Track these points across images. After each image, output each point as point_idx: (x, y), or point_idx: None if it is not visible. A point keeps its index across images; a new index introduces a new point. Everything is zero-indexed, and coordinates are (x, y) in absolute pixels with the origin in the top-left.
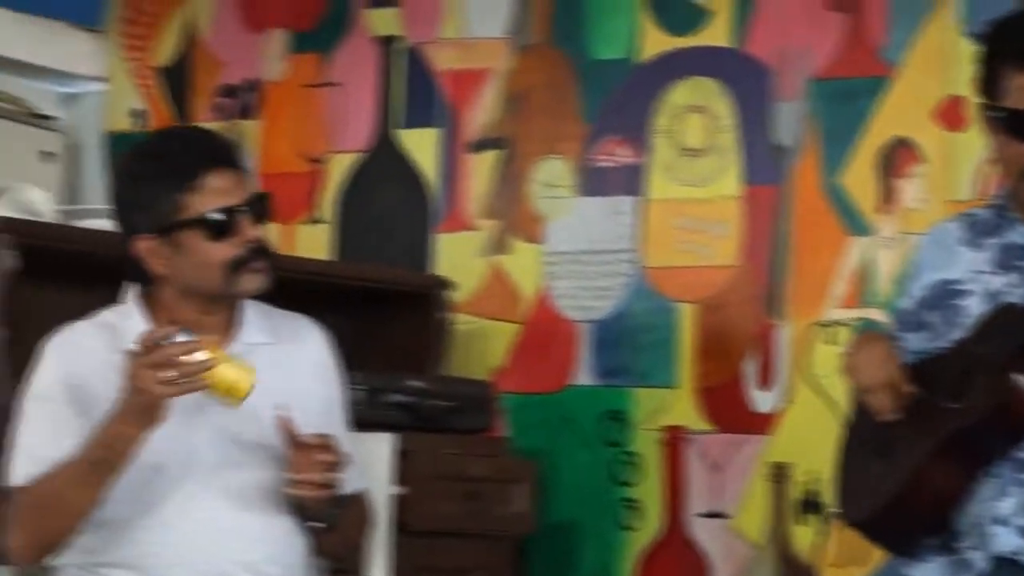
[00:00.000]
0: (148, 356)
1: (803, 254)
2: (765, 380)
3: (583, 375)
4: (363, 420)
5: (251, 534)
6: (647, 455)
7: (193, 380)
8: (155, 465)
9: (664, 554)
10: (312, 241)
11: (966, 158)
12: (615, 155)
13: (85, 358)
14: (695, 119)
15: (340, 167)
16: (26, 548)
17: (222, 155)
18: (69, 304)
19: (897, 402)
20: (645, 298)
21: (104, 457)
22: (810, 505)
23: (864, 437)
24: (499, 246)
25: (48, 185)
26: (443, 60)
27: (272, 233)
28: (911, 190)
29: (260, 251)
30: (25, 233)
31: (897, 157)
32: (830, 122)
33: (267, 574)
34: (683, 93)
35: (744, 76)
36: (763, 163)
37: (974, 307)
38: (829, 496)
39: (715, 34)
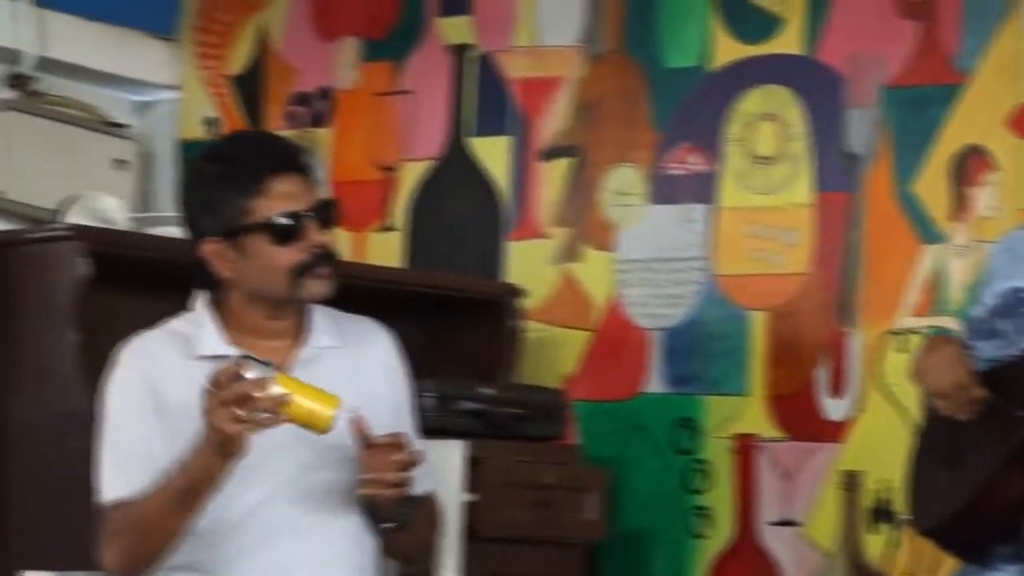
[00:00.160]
0: (223, 393)
1: (875, 262)
2: (836, 388)
3: (654, 383)
4: (434, 427)
5: (324, 536)
6: (718, 463)
7: (270, 416)
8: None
9: (735, 562)
10: (384, 249)
11: None
12: (687, 163)
13: (158, 366)
14: (767, 127)
15: (412, 175)
16: (121, 566)
17: (289, 160)
18: (142, 311)
19: (967, 405)
20: (716, 306)
21: (190, 487)
22: (881, 513)
23: (935, 445)
24: (570, 254)
25: (121, 193)
26: (515, 68)
27: (344, 241)
28: (983, 198)
29: (325, 256)
30: (98, 240)
31: (969, 165)
32: (902, 130)
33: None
34: (755, 101)
35: (816, 84)
36: (835, 171)
37: None
38: (900, 504)
39: (787, 42)
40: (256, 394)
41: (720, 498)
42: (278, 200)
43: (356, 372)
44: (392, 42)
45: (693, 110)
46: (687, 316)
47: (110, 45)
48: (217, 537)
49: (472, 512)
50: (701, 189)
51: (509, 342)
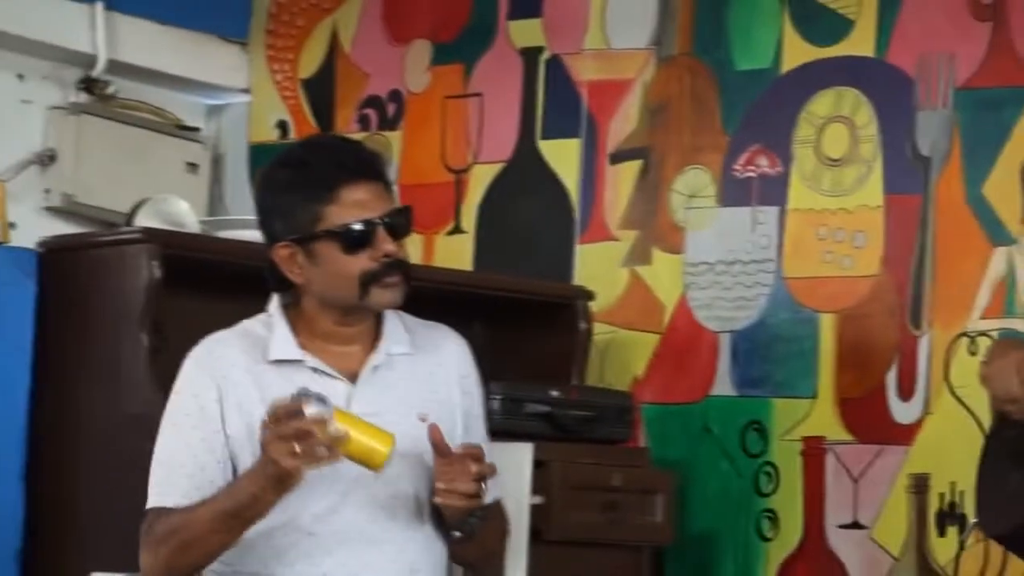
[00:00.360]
0: (281, 427)
1: (945, 264)
2: (906, 391)
3: (723, 385)
4: (502, 430)
5: (394, 544)
6: (786, 466)
7: (326, 453)
8: None
9: (803, 565)
10: (454, 251)
11: None
12: (756, 165)
13: (228, 369)
14: (837, 129)
15: (482, 178)
16: (157, 573)
17: (364, 167)
18: (211, 314)
19: None
20: (785, 308)
21: (238, 512)
22: (950, 516)
23: (1004, 448)
24: (640, 256)
25: (192, 196)
26: (585, 71)
27: (414, 243)
28: None
29: (395, 265)
30: (169, 244)
31: None
32: (973, 132)
33: None
34: (825, 103)
35: (887, 86)
36: (905, 173)
37: None
38: (969, 507)
39: (857, 44)
40: (315, 431)
41: (788, 501)
42: (350, 208)
43: (428, 379)
44: (462, 45)
45: (763, 112)
46: (756, 319)
47: (182, 48)
48: (286, 544)
49: (539, 515)
50: (771, 191)
51: (578, 345)
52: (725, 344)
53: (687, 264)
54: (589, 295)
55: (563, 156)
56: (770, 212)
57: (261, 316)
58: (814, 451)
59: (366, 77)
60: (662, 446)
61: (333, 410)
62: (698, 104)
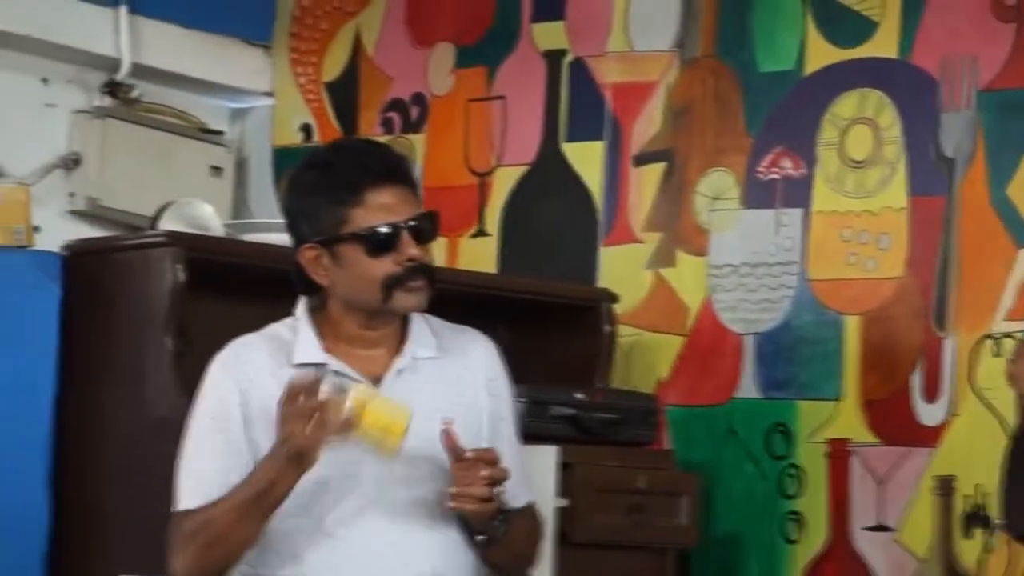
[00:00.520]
0: (296, 405)
1: (970, 266)
2: (931, 392)
3: (747, 388)
4: (527, 433)
5: (417, 549)
6: (812, 468)
7: (342, 429)
8: (320, 480)
9: (828, 567)
10: (478, 254)
11: None
12: (780, 167)
13: (253, 372)
14: (861, 131)
15: (506, 180)
16: (189, 573)
17: (390, 170)
18: (236, 317)
19: None
20: (810, 310)
21: (259, 498)
22: (976, 518)
23: None
24: (664, 258)
25: (216, 200)
26: (609, 73)
27: (438, 246)
28: None
29: (419, 270)
30: (193, 247)
31: None
32: (997, 133)
33: None
34: (849, 105)
35: (910, 87)
36: (930, 174)
37: None
38: (995, 509)
39: (881, 45)
40: (330, 407)
41: (813, 503)
42: (375, 211)
43: (454, 383)
44: (486, 48)
45: (787, 114)
46: (780, 321)
47: (206, 52)
48: (309, 551)
49: (564, 517)
50: (795, 193)
51: (602, 347)
52: (749, 346)
53: (711, 266)
54: (613, 297)
55: (587, 158)
56: (794, 214)
57: (287, 320)
58: (839, 453)
59: (389, 80)
60: (687, 448)
61: (352, 388)
62: (722, 106)
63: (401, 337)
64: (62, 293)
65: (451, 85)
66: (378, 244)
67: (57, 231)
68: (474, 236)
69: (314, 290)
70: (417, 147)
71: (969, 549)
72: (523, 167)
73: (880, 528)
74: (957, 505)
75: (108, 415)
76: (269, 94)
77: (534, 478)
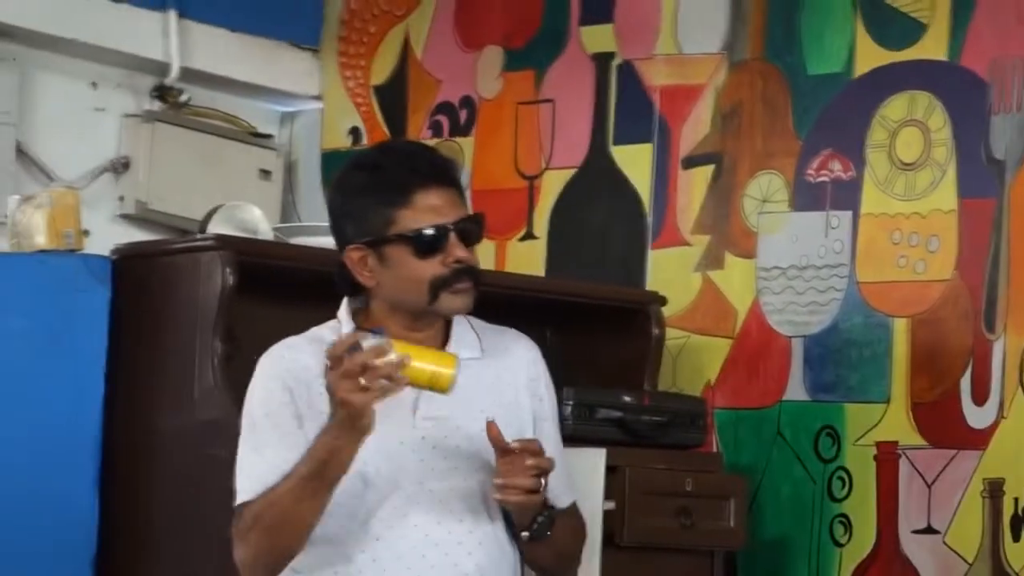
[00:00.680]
0: (343, 366)
1: (1020, 268)
2: (980, 395)
3: (795, 390)
4: (575, 435)
5: (461, 545)
6: (860, 471)
7: (391, 381)
8: (363, 479)
9: (876, 570)
10: (526, 257)
11: None
12: (829, 170)
13: (299, 373)
14: (910, 133)
15: (554, 183)
16: (254, 564)
17: (438, 173)
18: (284, 320)
19: None
20: (858, 313)
21: (320, 471)
22: None
23: None
24: (712, 261)
25: (265, 203)
26: (657, 76)
27: (486, 249)
28: None
29: (466, 272)
30: (242, 250)
31: None
32: None
33: None
34: (898, 107)
35: (960, 89)
36: (979, 176)
37: None
38: None
39: (930, 47)
40: (375, 361)
41: (861, 506)
42: (423, 213)
43: (496, 383)
44: (534, 51)
45: (836, 116)
46: (829, 323)
47: (254, 56)
48: (352, 548)
49: (612, 520)
50: (843, 196)
51: (650, 350)
52: (798, 349)
53: (760, 269)
54: (662, 300)
55: (635, 161)
56: (843, 216)
57: (330, 322)
58: (887, 456)
59: (438, 83)
60: (735, 451)
61: (391, 340)
62: (770, 109)
63: (444, 338)
64: (111, 296)
65: (499, 88)
66: (426, 245)
67: (106, 235)
68: (522, 239)
69: (357, 291)
70: (466, 150)
71: (1017, 552)
72: (571, 170)
73: (928, 531)
74: (1006, 508)
75: (157, 418)
76: (318, 98)
77: (582, 481)
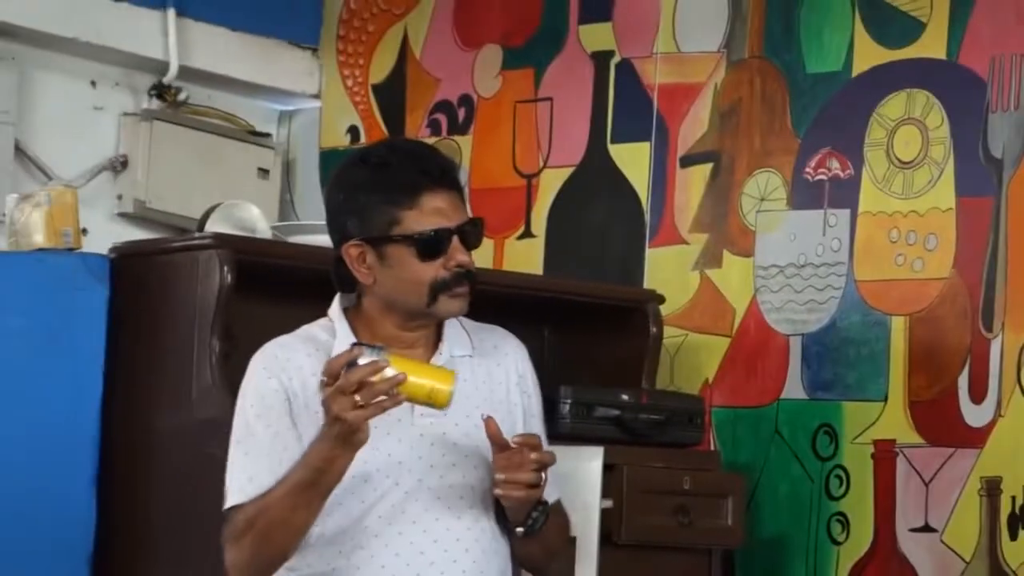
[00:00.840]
0: (339, 382)
1: (1017, 266)
2: (977, 393)
3: (793, 389)
4: (572, 434)
5: (458, 541)
6: (857, 469)
7: (387, 398)
8: (361, 476)
9: (874, 568)
10: (524, 255)
11: None
12: (827, 168)
13: (294, 372)
14: (909, 131)
15: (552, 182)
16: (247, 568)
17: (444, 176)
18: (282, 319)
19: None
20: (856, 311)
21: (314, 480)
22: (1022, 520)
23: None
24: (710, 259)
25: (264, 202)
26: (656, 74)
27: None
28: None
29: (465, 276)
30: (240, 249)
31: None
32: None
33: None
34: (896, 105)
35: (958, 88)
36: (977, 175)
37: None
38: None
39: (929, 46)
40: (372, 378)
41: (859, 504)
42: (429, 215)
43: (487, 380)
44: (533, 49)
45: (834, 115)
46: (827, 322)
47: (253, 55)
48: (350, 545)
49: (609, 518)
50: (842, 194)
51: (648, 348)
52: (796, 347)
53: (758, 267)
54: (659, 299)
55: (633, 160)
56: (841, 215)
57: (321, 321)
58: (885, 454)
59: (437, 82)
60: (732, 449)
61: (388, 356)
62: (769, 107)
63: (436, 337)
64: (109, 295)
65: (498, 87)
66: (429, 248)
67: (105, 233)
68: (520, 237)
69: (352, 288)
70: (464, 149)
71: (1015, 550)
72: (570, 168)
73: (926, 529)
74: (1003, 506)
75: (155, 417)
76: (316, 96)
77: (579, 479)
